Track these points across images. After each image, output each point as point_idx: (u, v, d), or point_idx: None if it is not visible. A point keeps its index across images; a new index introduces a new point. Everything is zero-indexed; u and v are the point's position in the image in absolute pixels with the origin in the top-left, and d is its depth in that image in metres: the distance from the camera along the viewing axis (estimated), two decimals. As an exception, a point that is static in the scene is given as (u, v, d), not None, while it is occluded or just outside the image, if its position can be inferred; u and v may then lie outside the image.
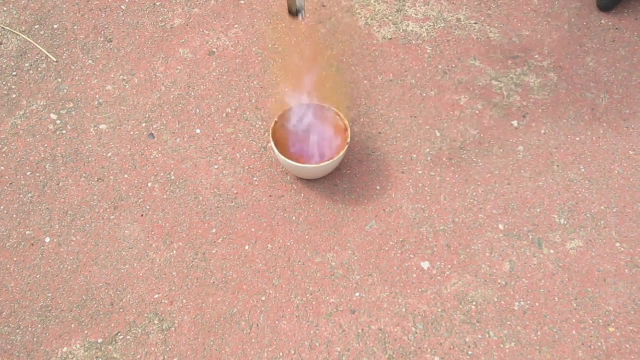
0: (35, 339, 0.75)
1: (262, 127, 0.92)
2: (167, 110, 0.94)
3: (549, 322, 0.75)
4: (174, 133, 0.92)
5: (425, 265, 0.80)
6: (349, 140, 0.82)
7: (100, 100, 0.95)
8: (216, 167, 0.89)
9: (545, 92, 0.95)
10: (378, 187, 0.86)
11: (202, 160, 0.89)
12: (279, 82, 0.97)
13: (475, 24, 1.04)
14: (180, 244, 0.82)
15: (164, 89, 0.97)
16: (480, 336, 0.74)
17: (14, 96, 0.96)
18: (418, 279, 0.79)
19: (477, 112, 0.93)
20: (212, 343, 0.74)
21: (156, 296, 0.78)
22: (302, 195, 0.86)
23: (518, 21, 1.04)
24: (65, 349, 0.74)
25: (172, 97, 0.96)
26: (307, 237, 0.82)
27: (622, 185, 0.86)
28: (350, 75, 0.98)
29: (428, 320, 0.76)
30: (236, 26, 1.04)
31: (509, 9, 1.06)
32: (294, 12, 0.82)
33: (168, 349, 0.74)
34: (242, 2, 1.08)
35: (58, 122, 0.93)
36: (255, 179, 0.87)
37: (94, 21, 1.05)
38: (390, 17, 1.05)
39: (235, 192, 0.86)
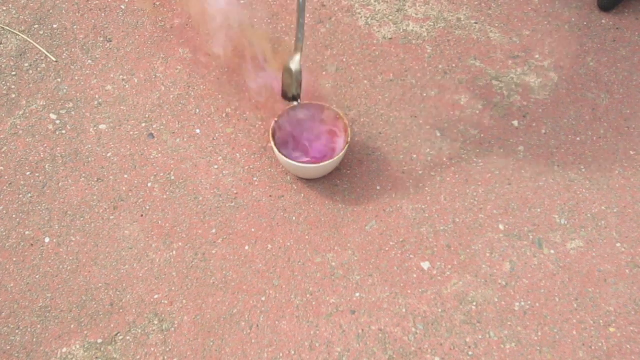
0: (34, 340, 0.75)
1: (262, 127, 0.92)
2: (167, 110, 0.94)
3: (549, 322, 0.75)
4: (173, 133, 0.92)
5: (426, 265, 0.80)
6: (349, 140, 0.82)
7: (100, 100, 0.95)
8: (216, 167, 0.89)
9: (545, 92, 0.95)
10: (378, 187, 0.86)
11: (202, 160, 0.89)
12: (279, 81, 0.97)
13: (476, 23, 1.04)
14: (180, 244, 0.82)
15: (163, 88, 0.97)
16: (480, 336, 0.74)
17: (14, 96, 0.96)
18: (418, 279, 0.79)
19: (478, 112, 0.93)
20: (212, 343, 0.74)
21: (156, 296, 0.78)
22: (302, 195, 0.86)
23: (518, 21, 1.04)
24: (64, 350, 0.74)
25: (171, 97, 0.96)
26: (307, 237, 0.82)
27: (622, 186, 0.86)
28: (350, 75, 0.98)
29: (428, 321, 0.76)
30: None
31: (509, 8, 1.06)
32: (289, 98, 0.78)
33: (168, 349, 0.74)
34: (242, 1, 1.07)
35: (57, 122, 0.93)
36: (255, 179, 0.87)
37: (93, 21, 1.05)
38: (391, 17, 1.05)
39: (235, 192, 0.86)
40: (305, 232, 0.83)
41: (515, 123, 0.92)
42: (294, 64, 0.79)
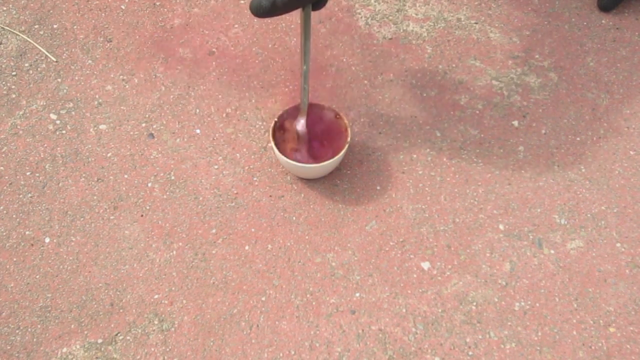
0: (34, 339, 0.75)
1: (262, 127, 0.92)
2: (167, 110, 0.94)
3: (549, 322, 0.75)
4: (173, 133, 0.92)
5: (426, 265, 0.80)
6: (349, 140, 0.82)
7: (100, 100, 0.95)
8: (216, 167, 0.89)
9: (545, 92, 0.95)
10: (378, 187, 0.86)
11: (202, 160, 0.89)
12: (279, 81, 0.97)
13: (476, 23, 1.04)
14: (180, 244, 0.82)
15: (163, 88, 0.97)
16: (480, 336, 0.74)
17: (14, 96, 0.96)
18: (418, 279, 0.79)
19: (477, 112, 0.93)
20: (212, 343, 0.74)
21: (156, 296, 0.78)
22: (302, 195, 0.86)
23: (518, 21, 1.04)
24: (64, 349, 0.74)
25: (171, 97, 0.96)
26: (307, 237, 0.82)
27: (622, 185, 0.86)
28: (350, 75, 0.98)
29: (428, 321, 0.76)
30: (236, 26, 1.04)
31: (509, 8, 1.06)
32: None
33: (168, 349, 0.74)
34: (242, 2, 1.07)
35: (57, 122, 0.93)
36: (255, 179, 0.87)
37: (93, 21, 1.05)
38: (391, 17, 1.05)
39: (235, 192, 0.86)
40: (305, 232, 0.83)
41: (515, 123, 0.92)
42: (300, 126, 0.83)
